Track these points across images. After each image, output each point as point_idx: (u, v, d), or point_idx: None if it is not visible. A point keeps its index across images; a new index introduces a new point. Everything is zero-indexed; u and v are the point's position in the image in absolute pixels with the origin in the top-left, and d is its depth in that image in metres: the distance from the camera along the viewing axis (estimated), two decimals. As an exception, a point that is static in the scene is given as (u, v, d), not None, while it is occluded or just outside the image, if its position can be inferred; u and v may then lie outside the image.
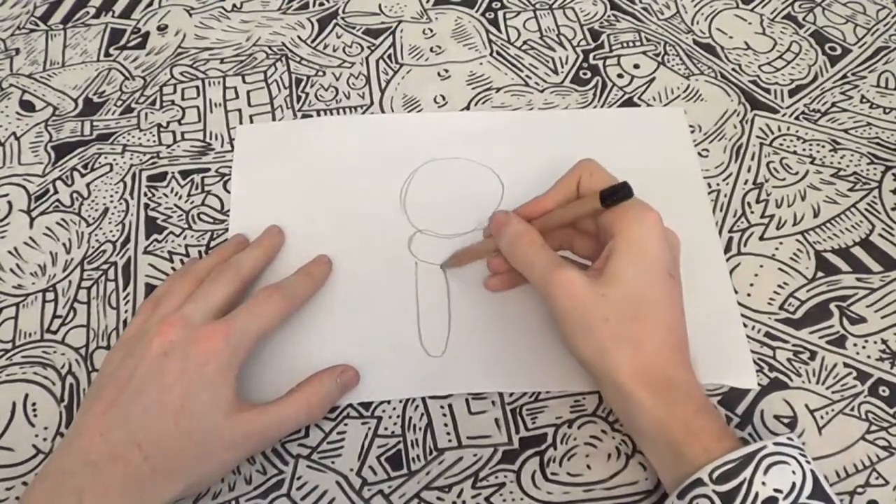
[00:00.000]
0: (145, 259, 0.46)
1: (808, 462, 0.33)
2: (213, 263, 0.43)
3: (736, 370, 0.42)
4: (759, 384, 0.42)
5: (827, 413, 0.41)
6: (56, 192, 0.49)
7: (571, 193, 0.40)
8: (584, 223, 0.41)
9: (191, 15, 0.57)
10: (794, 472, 0.32)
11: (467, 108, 0.52)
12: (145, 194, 0.49)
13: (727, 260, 0.46)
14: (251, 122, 0.52)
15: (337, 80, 0.54)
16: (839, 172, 0.49)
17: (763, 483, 0.32)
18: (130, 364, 0.37)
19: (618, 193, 0.36)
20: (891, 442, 0.40)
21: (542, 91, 0.53)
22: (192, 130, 0.51)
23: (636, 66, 0.54)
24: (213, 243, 0.47)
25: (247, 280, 0.42)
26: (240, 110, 0.52)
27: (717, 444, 0.34)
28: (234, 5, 0.58)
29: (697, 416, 0.35)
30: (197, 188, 0.49)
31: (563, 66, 0.54)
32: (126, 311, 0.44)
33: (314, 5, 0.58)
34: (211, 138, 0.51)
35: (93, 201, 0.49)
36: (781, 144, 0.50)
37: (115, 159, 0.50)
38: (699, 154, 0.50)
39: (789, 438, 0.34)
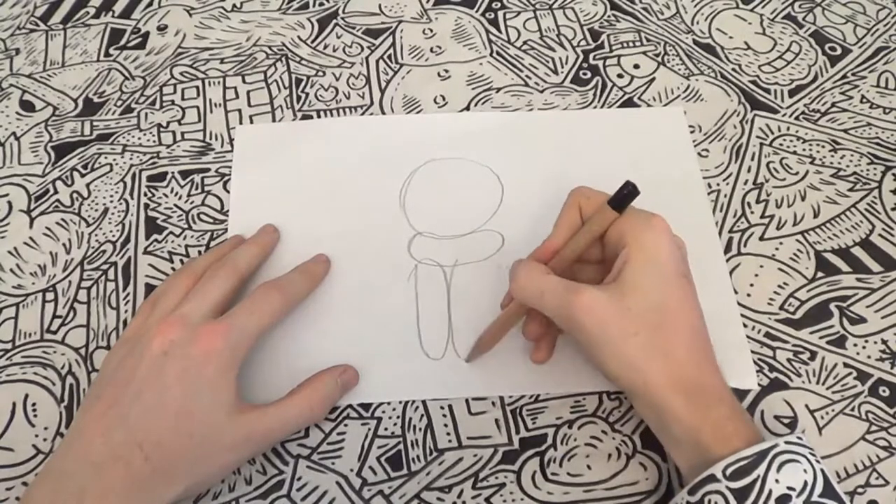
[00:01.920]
0: (145, 259, 0.46)
1: (818, 462, 0.33)
2: (210, 261, 0.43)
3: (736, 370, 0.42)
4: (759, 384, 0.42)
5: (827, 413, 0.41)
6: (56, 192, 0.49)
7: (576, 224, 0.40)
8: (588, 251, 0.41)
9: (191, 15, 0.57)
10: (805, 471, 0.32)
11: (467, 108, 0.52)
12: (145, 194, 0.49)
13: (727, 260, 0.46)
14: (251, 122, 0.52)
15: (337, 80, 0.54)
16: (839, 172, 0.49)
17: (776, 480, 0.32)
18: (130, 364, 0.37)
19: (625, 195, 0.36)
20: (891, 442, 0.40)
21: (542, 91, 0.53)
22: (192, 130, 0.51)
23: (636, 67, 0.54)
24: (212, 243, 0.47)
25: (243, 276, 0.42)
26: (240, 110, 0.52)
27: (745, 447, 0.33)
28: (234, 5, 0.58)
29: (730, 420, 0.35)
30: (197, 188, 0.49)
31: (563, 67, 0.54)
32: (126, 312, 0.44)
33: (314, 5, 0.58)
34: (211, 138, 0.51)
35: (93, 201, 0.49)
36: (781, 144, 0.50)
37: (115, 159, 0.50)
38: (699, 154, 0.50)
39: (799, 438, 0.34)
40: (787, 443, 0.33)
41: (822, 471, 0.33)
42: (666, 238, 0.37)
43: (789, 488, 0.32)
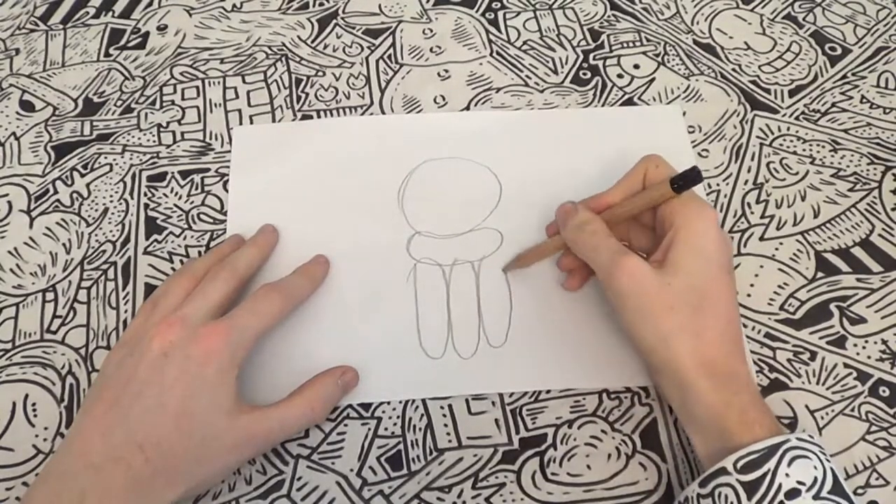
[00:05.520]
0: (145, 259, 0.46)
1: (827, 460, 0.34)
2: (210, 262, 0.43)
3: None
4: (759, 385, 0.42)
5: (827, 413, 0.41)
6: (56, 192, 0.49)
7: (637, 187, 0.41)
8: (643, 216, 0.42)
9: (191, 15, 0.57)
10: (815, 468, 0.33)
11: (467, 108, 0.52)
12: (145, 194, 0.49)
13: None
14: (251, 122, 0.52)
15: (337, 80, 0.54)
16: (839, 172, 0.49)
17: (787, 475, 0.32)
18: (130, 365, 0.37)
19: (688, 178, 0.38)
20: (891, 442, 0.40)
21: (542, 91, 0.53)
22: (192, 130, 0.51)
23: (636, 67, 0.54)
24: (212, 244, 0.47)
25: (243, 278, 0.42)
26: (240, 110, 0.52)
27: (767, 437, 0.34)
28: (234, 5, 0.58)
29: (753, 408, 0.35)
30: (197, 188, 0.49)
31: (563, 67, 0.54)
32: (126, 312, 0.45)
33: (314, 5, 0.58)
34: (211, 138, 0.51)
35: (93, 201, 0.49)
36: (781, 145, 0.50)
37: (115, 159, 0.50)
38: (699, 154, 0.50)
39: (810, 436, 0.34)
40: (798, 439, 0.33)
41: (832, 469, 0.33)
42: (715, 229, 0.38)
43: (799, 482, 0.32)
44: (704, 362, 0.35)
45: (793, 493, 0.32)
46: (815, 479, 0.32)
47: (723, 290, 0.37)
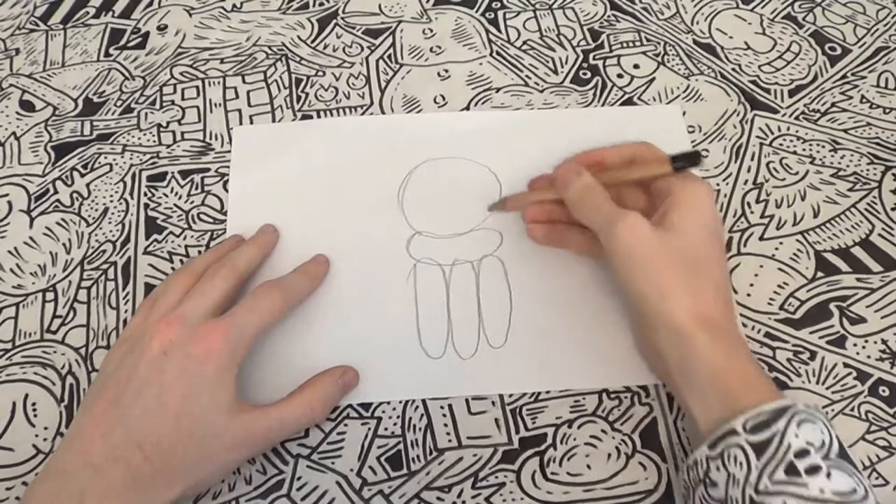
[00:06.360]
0: (145, 259, 0.46)
1: (832, 428, 0.34)
2: (210, 260, 0.43)
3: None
4: (759, 384, 0.42)
5: (827, 413, 0.41)
6: (56, 192, 0.49)
7: (626, 158, 0.42)
8: (632, 198, 0.43)
9: (191, 15, 0.57)
10: (822, 432, 0.33)
11: (467, 108, 0.52)
12: (145, 194, 0.49)
13: (727, 260, 0.46)
14: (251, 122, 0.52)
15: (337, 80, 0.54)
16: (839, 172, 0.49)
17: (796, 435, 0.32)
18: (130, 363, 0.37)
19: (689, 158, 0.39)
20: (891, 442, 0.40)
21: (541, 91, 0.53)
22: (192, 130, 0.51)
23: (636, 66, 0.54)
24: (212, 243, 0.47)
25: (243, 276, 0.42)
26: (240, 110, 0.52)
27: (770, 398, 0.34)
28: (234, 5, 0.58)
29: (752, 367, 0.36)
30: (197, 188, 0.49)
31: (562, 66, 0.54)
32: (126, 311, 0.45)
33: (314, 5, 0.58)
34: (211, 138, 0.51)
35: (93, 201, 0.49)
36: (781, 144, 0.50)
37: (115, 159, 0.50)
38: (699, 154, 0.50)
39: (815, 406, 0.34)
40: (805, 406, 0.34)
41: (837, 436, 0.33)
42: (711, 199, 0.39)
43: (808, 443, 0.32)
44: (702, 319, 0.36)
45: (802, 454, 0.32)
46: (823, 443, 0.32)
47: (717, 257, 0.38)
